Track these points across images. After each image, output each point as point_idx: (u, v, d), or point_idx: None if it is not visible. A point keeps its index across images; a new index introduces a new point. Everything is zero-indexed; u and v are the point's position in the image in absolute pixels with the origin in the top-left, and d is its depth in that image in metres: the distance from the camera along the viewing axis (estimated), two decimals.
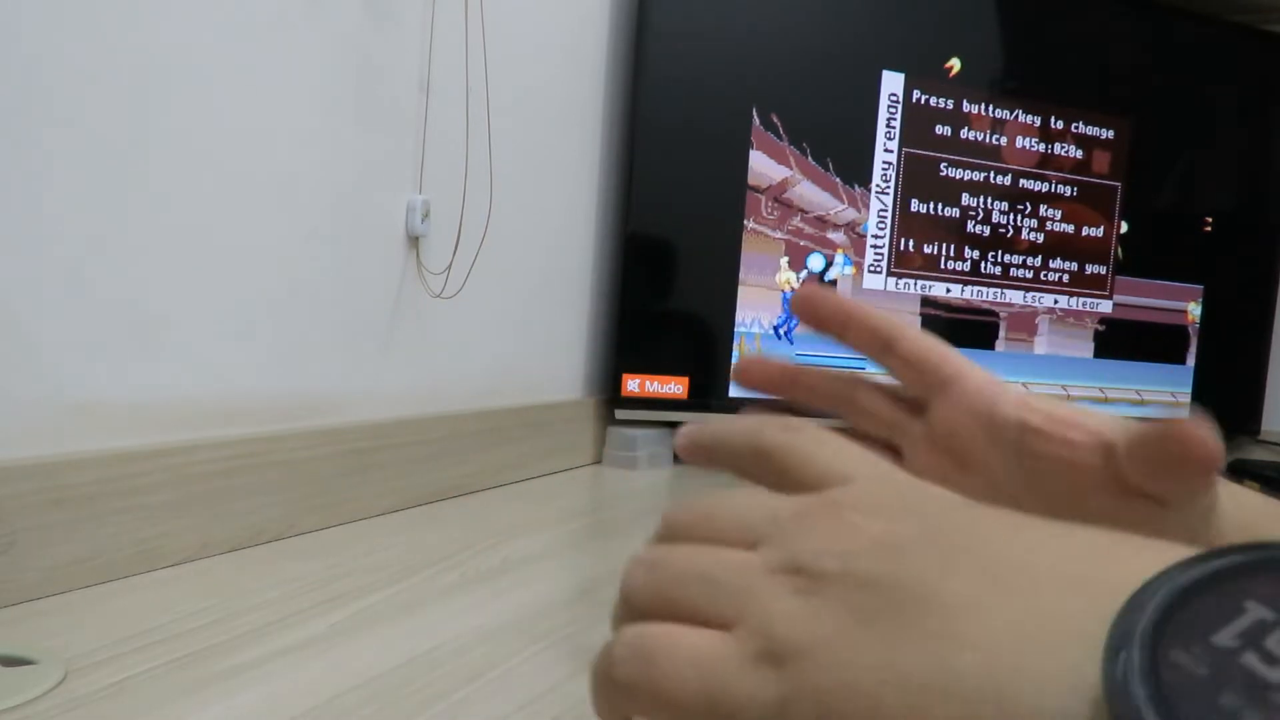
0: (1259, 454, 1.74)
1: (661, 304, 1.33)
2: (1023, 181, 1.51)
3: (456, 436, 1.02)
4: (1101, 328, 1.58)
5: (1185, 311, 1.64)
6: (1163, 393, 1.62)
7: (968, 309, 1.49)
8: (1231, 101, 1.64)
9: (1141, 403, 1.61)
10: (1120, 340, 1.59)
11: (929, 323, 1.46)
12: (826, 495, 0.20)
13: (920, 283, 1.45)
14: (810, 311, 0.32)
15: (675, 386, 1.32)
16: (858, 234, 1.41)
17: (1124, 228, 1.57)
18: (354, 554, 0.79)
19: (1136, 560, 0.16)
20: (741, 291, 1.35)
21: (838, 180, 1.39)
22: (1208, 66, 1.61)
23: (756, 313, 1.36)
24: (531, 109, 1.13)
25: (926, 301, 1.46)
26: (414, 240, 0.96)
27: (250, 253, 0.79)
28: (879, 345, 0.31)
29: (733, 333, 1.35)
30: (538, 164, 1.15)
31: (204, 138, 0.74)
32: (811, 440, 0.23)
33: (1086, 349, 1.57)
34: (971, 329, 1.50)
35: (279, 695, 0.52)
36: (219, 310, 0.77)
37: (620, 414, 1.30)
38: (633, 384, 1.30)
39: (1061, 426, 0.28)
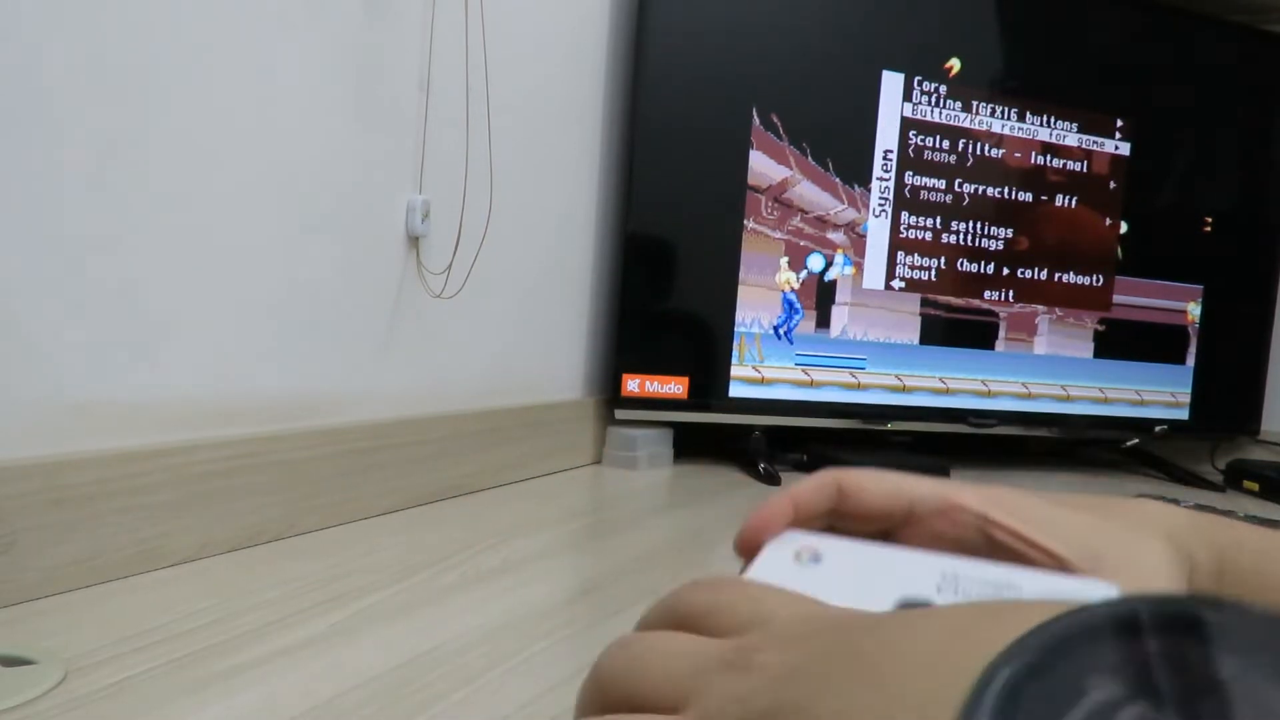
0: (1259, 454, 1.74)
1: (661, 304, 1.33)
2: (1022, 181, 1.51)
3: (456, 436, 1.02)
4: (1101, 328, 1.58)
5: (1185, 312, 1.64)
6: (1163, 393, 1.62)
7: (967, 309, 1.49)
8: (1231, 101, 1.64)
9: (1141, 403, 1.61)
10: (1120, 340, 1.59)
11: (928, 323, 1.46)
12: (742, 641, 0.21)
13: (920, 282, 1.45)
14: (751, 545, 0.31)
15: (675, 386, 1.32)
16: (858, 234, 1.41)
17: (1124, 228, 1.57)
18: (354, 554, 0.79)
19: (988, 636, 0.16)
20: (741, 291, 1.35)
21: (838, 180, 1.39)
22: (1208, 66, 1.61)
23: (756, 313, 1.36)
24: (531, 108, 1.13)
25: (926, 302, 1.46)
26: (414, 240, 0.96)
27: (250, 252, 0.79)
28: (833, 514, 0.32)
29: (733, 333, 1.35)
30: (538, 163, 1.15)
31: (204, 137, 0.74)
32: (733, 593, 0.24)
33: (1086, 349, 1.57)
34: (971, 329, 1.50)
35: (279, 695, 0.52)
36: (219, 310, 0.77)
37: (620, 414, 1.30)
38: (633, 384, 1.30)
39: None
